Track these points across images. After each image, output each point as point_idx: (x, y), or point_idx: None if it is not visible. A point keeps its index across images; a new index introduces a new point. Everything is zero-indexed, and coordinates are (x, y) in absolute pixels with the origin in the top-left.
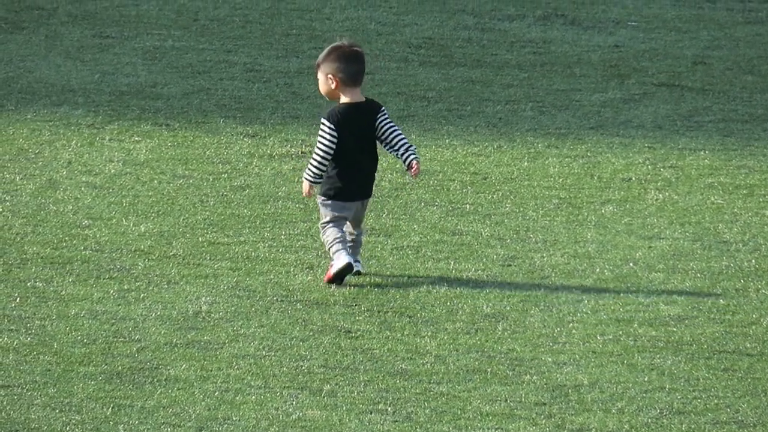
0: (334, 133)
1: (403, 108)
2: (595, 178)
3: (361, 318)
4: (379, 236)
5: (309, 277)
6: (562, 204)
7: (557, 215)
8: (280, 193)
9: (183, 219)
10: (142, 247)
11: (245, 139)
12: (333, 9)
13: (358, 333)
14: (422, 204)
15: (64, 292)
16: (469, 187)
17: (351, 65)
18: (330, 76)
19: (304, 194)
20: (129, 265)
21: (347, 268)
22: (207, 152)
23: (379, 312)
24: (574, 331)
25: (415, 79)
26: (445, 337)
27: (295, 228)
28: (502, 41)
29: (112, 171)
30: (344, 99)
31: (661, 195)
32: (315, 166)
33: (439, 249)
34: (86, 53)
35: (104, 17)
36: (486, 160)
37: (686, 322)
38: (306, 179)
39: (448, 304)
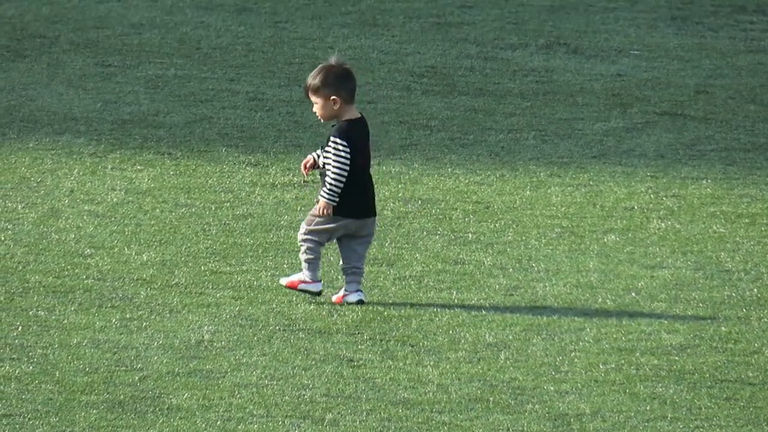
0: (349, 150)
1: (406, 137)
2: (598, 207)
3: (363, 347)
4: (381, 265)
5: (311, 306)
6: (564, 233)
7: (560, 244)
8: (282, 222)
9: (185, 248)
10: (145, 275)
11: (248, 168)
12: (336, 38)
13: (361, 362)
14: (424, 233)
15: (66, 321)
16: (471, 216)
17: (349, 83)
18: (333, 98)
19: (321, 214)
20: (131, 293)
21: (316, 294)
22: (209, 181)
23: (381, 341)
24: (576, 360)
25: (417, 108)
26: (448, 366)
27: (297, 257)
28: (504, 70)
29: (115, 200)
30: (346, 117)
31: (663, 224)
32: (337, 185)
33: (441, 278)
34: (88, 82)
35: (106, 46)
36: (488, 189)
37: (688, 351)
38: (329, 200)
39: (451, 333)
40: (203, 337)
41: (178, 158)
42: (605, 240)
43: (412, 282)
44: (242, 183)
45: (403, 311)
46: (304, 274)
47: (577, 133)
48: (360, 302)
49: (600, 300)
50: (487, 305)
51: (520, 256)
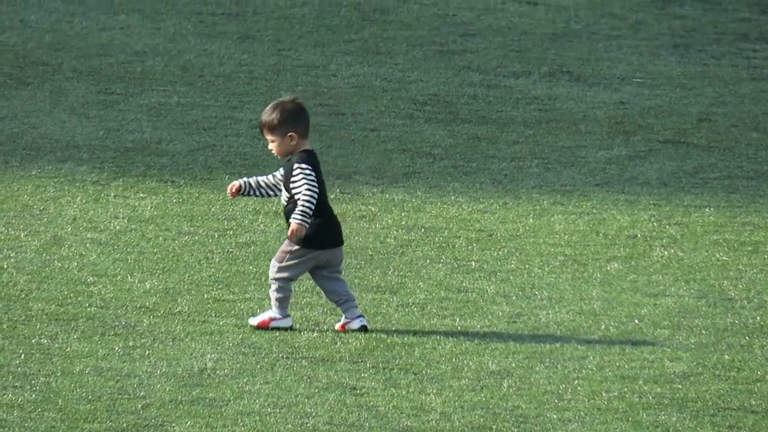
0: (315, 174)
1: (409, 165)
2: (601, 235)
3: (366, 375)
4: (384, 293)
5: (314, 334)
6: (567, 261)
7: (563, 272)
8: None
9: (188, 276)
10: (147, 303)
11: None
12: (338, 65)
13: (364, 390)
14: (428, 261)
15: (68, 349)
16: (474, 244)
17: (304, 118)
18: (290, 134)
19: (295, 237)
20: (134, 321)
21: (288, 329)
22: (212, 209)
23: (384, 369)
24: (579, 388)
25: (420, 136)
26: (451, 394)
27: (300, 285)
28: (507, 98)
29: (117, 227)
30: (301, 149)
31: (666, 252)
32: (309, 208)
33: (444, 306)
34: (91, 109)
35: (109, 73)
36: (491, 217)
37: (691, 379)
38: (301, 222)
39: (454, 360)
40: (206, 365)
41: (181, 186)
42: (608, 268)
43: (415, 309)
44: (245, 211)
45: (406, 339)
46: (273, 312)
47: (580, 161)
48: (363, 328)
49: (603, 327)
50: (490, 333)
51: (523, 284)
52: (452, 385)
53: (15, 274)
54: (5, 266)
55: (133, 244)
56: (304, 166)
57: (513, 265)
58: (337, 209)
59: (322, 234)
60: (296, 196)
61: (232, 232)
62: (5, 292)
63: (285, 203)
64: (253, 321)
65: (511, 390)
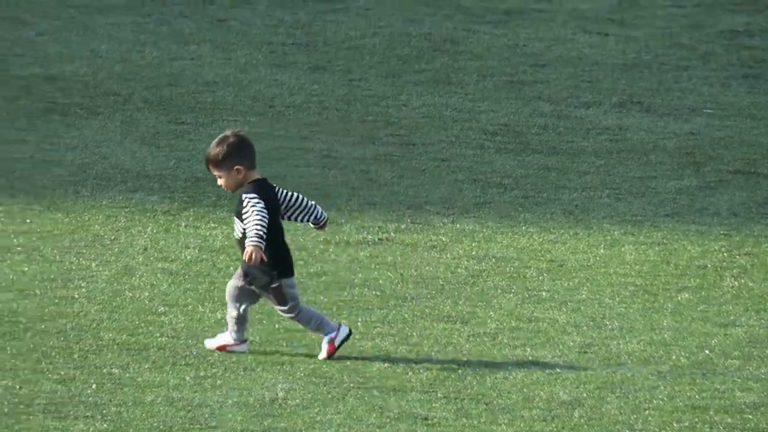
0: (261, 200)
1: (480, 195)
2: (671, 265)
3: (437, 405)
4: (455, 323)
5: (385, 364)
6: (638, 291)
7: (633, 302)
8: (356, 280)
9: (259, 305)
10: (218, 333)
11: None
12: (409, 95)
13: (435, 420)
14: (498, 291)
15: (140, 379)
16: (545, 274)
17: (248, 151)
18: (236, 168)
19: (253, 262)
20: (205, 351)
21: (350, 333)
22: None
23: (455, 399)
24: (650, 418)
25: (491, 166)
26: (522, 425)
27: (372, 315)
28: (578, 128)
29: (188, 257)
30: (249, 180)
31: (736, 282)
32: (262, 230)
33: (515, 336)
34: (162, 139)
35: (180, 103)
36: (562, 247)
37: (762, 409)
38: (256, 244)
39: (525, 390)
40: (277, 394)
41: None
42: (679, 298)
43: (486, 339)
44: (316, 241)
45: (477, 369)
46: (339, 334)
47: (651, 191)
48: (350, 332)
49: (674, 357)
50: (561, 363)
51: (594, 314)
52: (523, 415)
53: (86, 303)
54: (76, 296)
55: (204, 273)
56: (251, 195)
57: (584, 295)
58: (407, 239)
59: (285, 262)
60: (247, 226)
61: (303, 262)
62: (77, 321)
63: (238, 236)
64: (210, 343)
65: (582, 420)
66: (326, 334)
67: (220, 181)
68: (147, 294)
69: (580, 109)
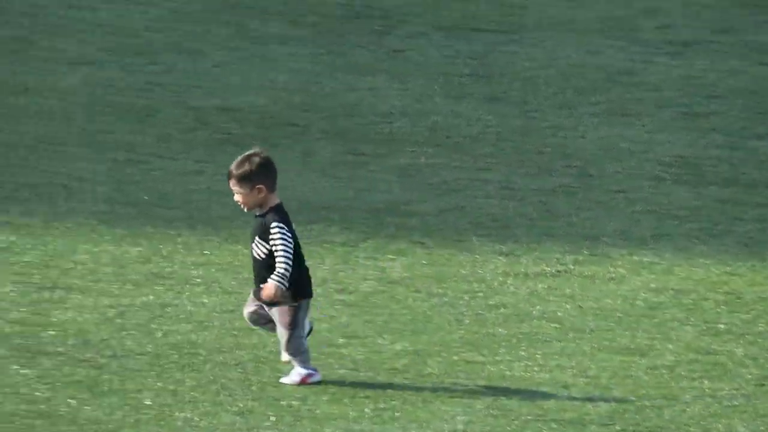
0: (290, 233)
1: (656, 226)
2: None
3: None
4: (634, 355)
5: (564, 396)
6: None
7: None
8: (534, 312)
9: (438, 337)
10: (397, 365)
11: (499, 258)
12: (586, 127)
13: None
14: (676, 323)
15: (318, 411)
16: (722, 307)
17: (273, 173)
18: (258, 187)
19: (272, 299)
20: (384, 383)
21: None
22: (462, 271)
23: (634, 431)
24: None
25: (667, 198)
26: None
27: (550, 347)
28: (752, 160)
29: (367, 289)
30: (270, 204)
31: None
32: (288, 269)
33: (693, 368)
34: (340, 170)
35: (357, 134)
36: (739, 279)
37: None
38: (282, 285)
39: (702, 423)
40: (456, 427)
41: (431, 247)
42: None
43: (664, 372)
44: (494, 273)
45: (655, 401)
46: (302, 370)
47: None
48: (311, 327)
49: None
50: (739, 396)
51: None
52: None
53: (264, 335)
54: (254, 328)
55: (383, 305)
56: (281, 226)
57: (761, 328)
58: (585, 271)
59: (306, 283)
60: (274, 252)
61: (482, 294)
62: (254, 353)
63: (261, 257)
64: (287, 380)
65: None
66: (305, 368)
67: (238, 197)
68: (326, 326)
69: (753, 140)
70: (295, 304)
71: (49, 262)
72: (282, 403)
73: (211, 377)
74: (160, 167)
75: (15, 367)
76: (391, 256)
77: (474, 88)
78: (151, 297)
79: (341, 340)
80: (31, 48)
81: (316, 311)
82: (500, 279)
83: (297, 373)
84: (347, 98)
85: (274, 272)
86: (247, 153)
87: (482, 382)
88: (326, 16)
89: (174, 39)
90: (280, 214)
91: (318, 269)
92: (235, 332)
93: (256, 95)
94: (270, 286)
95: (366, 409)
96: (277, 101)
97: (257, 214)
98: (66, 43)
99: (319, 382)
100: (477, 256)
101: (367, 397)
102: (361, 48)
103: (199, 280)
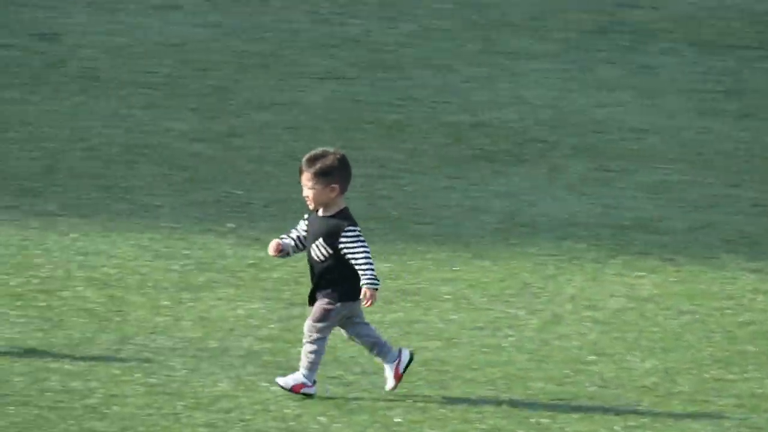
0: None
1: None
2: None
3: None
4: None
5: None
6: None
7: None
8: None
9: (689, 355)
10: (647, 383)
11: (749, 275)
12: None
13: None
14: None
15: (568, 429)
16: None
17: (349, 176)
18: (332, 186)
19: (371, 303)
20: (634, 401)
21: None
22: (712, 288)
23: None
24: None
25: None
26: None
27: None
28: None
29: (616, 306)
30: (338, 206)
31: None
32: (374, 270)
33: None
34: (588, 186)
35: (606, 150)
36: None
37: None
38: (375, 287)
39: None
40: None
41: (681, 264)
42: None
43: None
44: (744, 290)
45: None
46: (302, 378)
47: None
48: (412, 356)
49: None
50: None
51: None
52: None
53: (514, 353)
54: (505, 345)
55: (632, 323)
56: (358, 230)
57: None
58: None
59: (353, 286)
60: (349, 257)
61: (731, 311)
62: (505, 371)
63: (321, 259)
64: (282, 382)
65: None
66: (305, 377)
67: (307, 192)
68: (575, 343)
69: None
70: (337, 304)
71: (299, 279)
72: (531, 420)
73: (461, 394)
74: (411, 182)
75: (264, 384)
76: (640, 273)
77: (726, 104)
78: (400, 314)
79: (591, 357)
80: (279, 63)
81: (565, 327)
82: (750, 296)
83: (294, 378)
84: (596, 114)
85: (364, 278)
86: (324, 148)
87: (732, 400)
88: (575, 31)
89: (424, 54)
90: (352, 219)
91: (567, 286)
92: (485, 350)
93: (506, 111)
94: (369, 293)
95: (616, 427)
96: (526, 117)
97: (322, 214)
98: (314, 57)
99: (311, 396)
100: (726, 273)
101: (617, 414)
102: (610, 64)
103: (448, 296)
